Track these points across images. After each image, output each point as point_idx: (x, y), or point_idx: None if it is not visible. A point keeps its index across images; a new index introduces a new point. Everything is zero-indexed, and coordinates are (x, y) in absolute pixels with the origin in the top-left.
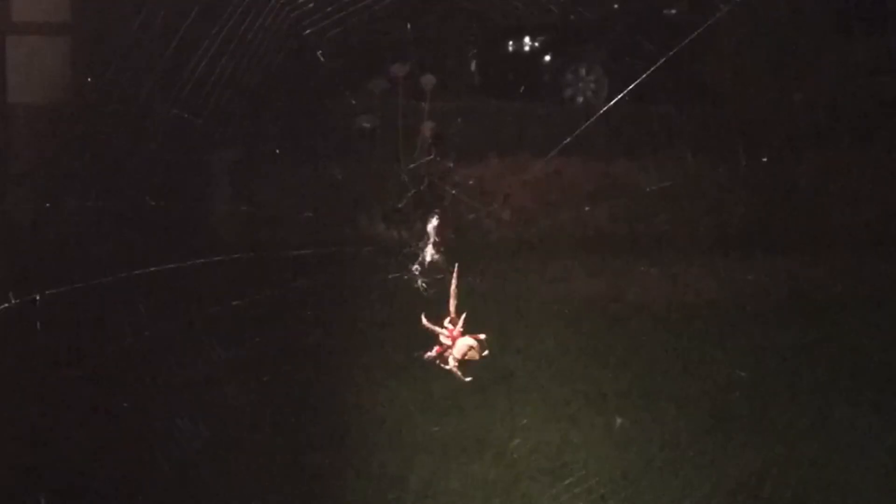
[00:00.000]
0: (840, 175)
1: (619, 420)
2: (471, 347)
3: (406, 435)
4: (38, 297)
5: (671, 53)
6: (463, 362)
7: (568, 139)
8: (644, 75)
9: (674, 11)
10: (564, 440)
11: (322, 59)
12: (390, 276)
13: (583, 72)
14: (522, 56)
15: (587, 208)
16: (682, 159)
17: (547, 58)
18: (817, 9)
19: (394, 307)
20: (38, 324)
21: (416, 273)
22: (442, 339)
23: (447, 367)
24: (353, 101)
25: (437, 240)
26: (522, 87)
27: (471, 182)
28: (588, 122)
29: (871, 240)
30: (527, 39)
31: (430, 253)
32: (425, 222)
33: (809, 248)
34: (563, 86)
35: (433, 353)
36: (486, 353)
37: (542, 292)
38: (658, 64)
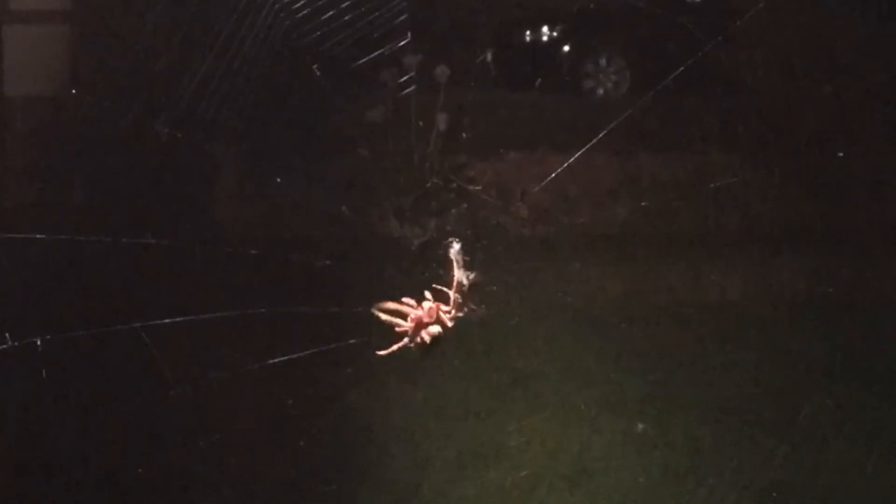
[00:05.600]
0: (872, 172)
1: (640, 425)
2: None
3: (419, 441)
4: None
5: (711, 44)
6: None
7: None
8: (682, 67)
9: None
10: (584, 446)
11: (318, 72)
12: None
13: (603, 62)
14: (540, 46)
15: (608, 206)
16: (706, 155)
17: (566, 48)
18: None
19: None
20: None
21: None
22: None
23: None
24: (364, 94)
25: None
26: (540, 79)
27: (487, 177)
28: (627, 113)
29: None
30: (545, 29)
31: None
32: (440, 221)
33: (840, 247)
34: (582, 77)
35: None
36: (467, 284)
37: (561, 292)
38: (699, 55)
